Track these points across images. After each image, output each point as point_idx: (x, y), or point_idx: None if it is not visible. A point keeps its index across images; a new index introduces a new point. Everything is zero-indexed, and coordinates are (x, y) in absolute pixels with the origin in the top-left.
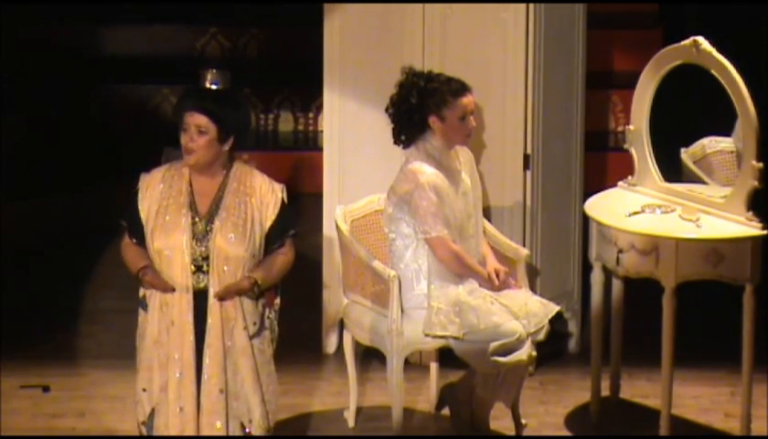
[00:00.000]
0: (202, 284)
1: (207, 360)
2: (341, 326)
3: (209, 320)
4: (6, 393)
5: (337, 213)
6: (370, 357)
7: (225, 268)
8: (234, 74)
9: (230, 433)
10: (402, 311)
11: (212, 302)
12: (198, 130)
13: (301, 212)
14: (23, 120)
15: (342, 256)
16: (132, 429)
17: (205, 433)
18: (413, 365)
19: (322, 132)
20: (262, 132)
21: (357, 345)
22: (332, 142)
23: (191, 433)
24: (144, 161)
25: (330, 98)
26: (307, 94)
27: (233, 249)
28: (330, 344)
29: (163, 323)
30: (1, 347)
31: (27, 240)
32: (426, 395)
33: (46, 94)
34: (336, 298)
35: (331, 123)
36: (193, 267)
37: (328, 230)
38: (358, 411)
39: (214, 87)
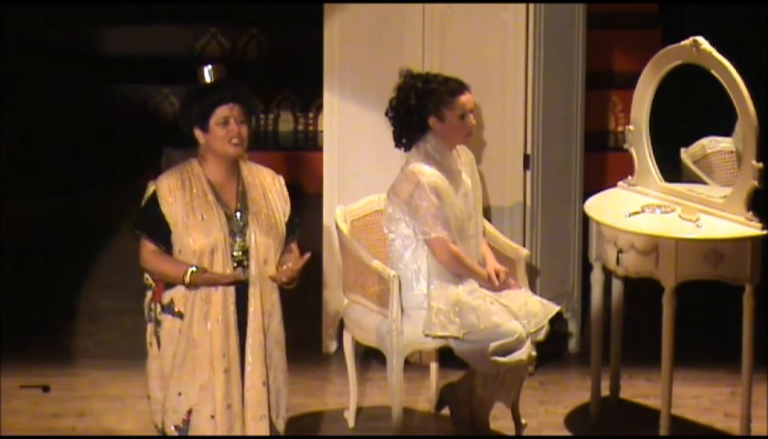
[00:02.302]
0: (243, 279)
1: (249, 354)
2: (341, 326)
3: (251, 313)
4: (6, 393)
5: (337, 213)
6: (370, 357)
7: (265, 260)
8: (234, 74)
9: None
10: (402, 311)
11: (253, 295)
12: (240, 120)
13: (301, 212)
14: (23, 120)
15: (342, 256)
16: (132, 429)
17: (250, 427)
18: (413, 365)
19: (322, 132)
20: (262, 132)
21: (357, 345)
22: (332, 142)
23: (239, 428)
24: (143, 161)
25: (330, 98)
26: (307, 94)
27: (271, 240)
28: (330, 344)
29: (203, 322)
30: (1, 348)
31: (27, 240)
32: (426, 395)
33: (46, 94)
34: (336, 298)
35: (331, 123)
36: (234, 263)
37: (328, 230)
38: (358, 411)
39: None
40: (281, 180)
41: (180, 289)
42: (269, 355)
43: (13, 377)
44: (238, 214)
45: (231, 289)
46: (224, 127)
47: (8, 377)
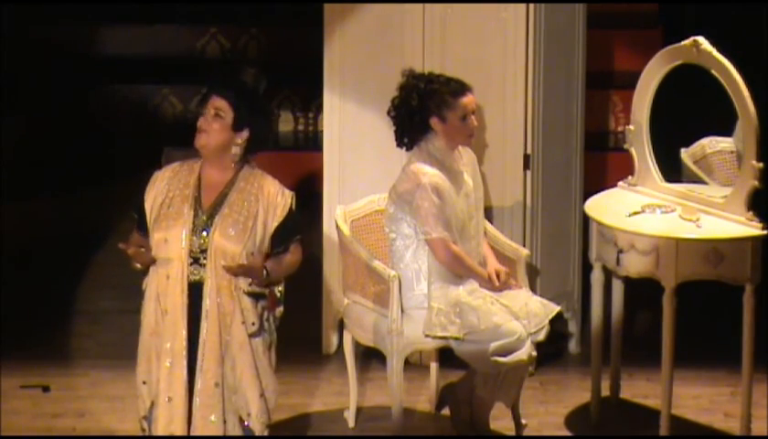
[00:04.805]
0: (198, 277)
1: (202, 354)
2: (341, 326)
3: (204, 312)
4: (6, 393)
5: (337, 213)
6: (370, 357)
7: (222, 262)
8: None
9: (228, 427)
10: (402, 311)
11: (208, 295)
12: (216, 113)
13: (301, 212)
14: (23, 120)
15: (342, 256)
16: (132, 429)
17: (199, 426)
18: (413, 365)
19: (322, 132)
20: None
21: (357, 345)
22: (332, 142)
23: (179, 424)
24: (143, 161)
25: (330, 98)
26: (307, 94)
27: (231, 244)
28: (330, 344)
29: (158, 313)
30: (1, 348)
31: (27, 240)
32: (426, 395)
33: (46, 94)
34: (336, 298)
35: (331, 124)
36: (190, 259)
37: (328, 230)
38: (358, 411)
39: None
40: (285, 194)
41: (147, 275)
42: (231, 357)
43: (13, 377)
44: (207, 214)
45: (183, 285)
46: (202, 117)
47: (8, 377)
